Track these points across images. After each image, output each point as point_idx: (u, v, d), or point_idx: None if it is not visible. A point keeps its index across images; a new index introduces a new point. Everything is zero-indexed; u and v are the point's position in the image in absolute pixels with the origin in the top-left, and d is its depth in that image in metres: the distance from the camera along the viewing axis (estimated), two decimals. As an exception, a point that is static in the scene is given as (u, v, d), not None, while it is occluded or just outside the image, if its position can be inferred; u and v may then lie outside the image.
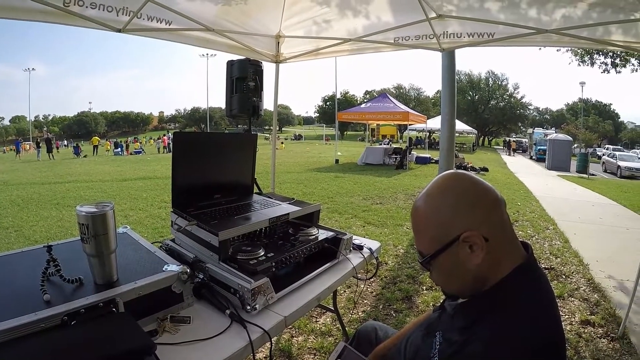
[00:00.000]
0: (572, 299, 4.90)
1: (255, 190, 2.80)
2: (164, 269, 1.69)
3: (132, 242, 2.07)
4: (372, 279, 4.78)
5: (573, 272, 5.75)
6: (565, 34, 3.71)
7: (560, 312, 4.34)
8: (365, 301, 4.31)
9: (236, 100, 4.82)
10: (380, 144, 26.12)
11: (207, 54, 66.73)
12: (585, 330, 4.16)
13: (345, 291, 4.40)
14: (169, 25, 3.44)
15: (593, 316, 4.43)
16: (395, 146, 23.68)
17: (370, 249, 2.52)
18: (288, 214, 2.19)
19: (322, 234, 2.28)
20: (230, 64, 4.75)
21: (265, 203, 2.39)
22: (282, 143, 44.65)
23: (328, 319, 3.80)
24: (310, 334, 3.54)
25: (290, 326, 3.55)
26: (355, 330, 1.97)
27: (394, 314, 4.02)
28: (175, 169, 2.08)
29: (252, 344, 1.50)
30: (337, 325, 3.58)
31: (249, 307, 1.65)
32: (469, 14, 3.73)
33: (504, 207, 1.09)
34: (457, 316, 1.15)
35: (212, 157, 2.32)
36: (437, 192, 1.12)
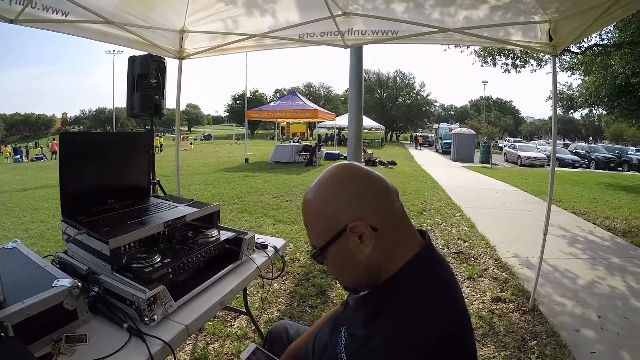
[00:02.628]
0: (482, 278, 5.15)
1: (160, 193, 2.65)
2: (53, 284, 1.52)
3: (21, 257, 1.86)
4: (285, 277, 4.75)
5: (481, 254, 6.05)
6: (467, 33, 3.89)
7: (472, 292, 4.55)
8: (279, 300, 4.25)
9: (137, 99, 4.59)
10: (290, 142, 26.05)
11: (114, 50, 62.84)
12: (498, 307, 4.38)
13: (258, 291, 4.32)
14: (66, 16, 3.19)
15: (503, 293, 4.71)
16: (304, 144, 23.71)
17: (275, 248, 2.46)
18: (185, 216, 2.07)
19: (223, 235, 2.19)
20: (132, 60, 4.51)
21: (162, 206, 2.24)
22: (191, 144, 43.60)
23: (243, 322, 3.69)
24: (226, 339, 3.42)
25: (204, 333, 3.44)
26: (267, 332, 1.91)
27: (309, 310, 4.00)
28: (63, 173, 1.89)
29: (153, 358, 1.40)
30: (254, 327, 3.49)
31: (146, 319, 1.54)
32: (374, 13, 3.81)
33: (395, 196, 1.09)
34: (358, 310, 1.13)
35: (103, 160, 2.15)
36: (326, 183, 1.09)
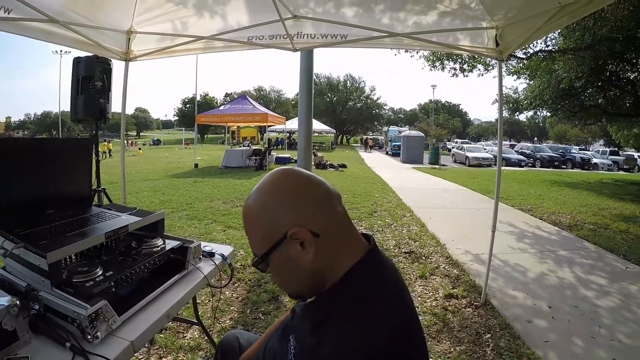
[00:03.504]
0: (434, 276, 5.23)
1: (105, 201, 2.53)
2: (-11, 303, 1.40)
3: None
4: (236, 284, 4.67)
5: (432, 253, 6.16)
6: (416, 38, 3.96)
7: (425, 290, 4.61)
8: (231, 308, 4.16)
9: (82, 103, 4.43)
10: (241, 147, 25.84)
11: (61, 51, 59.86)
12: (451, 303, 4.47)
13: (210, 300, 4.22)
14: (8, 13, 3.01)
15: (456, 289, 4.81)
16: (255, 148, 23.57)
17: (222, 255, 2.39)
18: (127, 225, 1.97)
19: (168, 245, 2.10)
20: (77, 62, 4.35)
21: (104, 216, 2.13)
22: (139, 149, 42.58)
23: (196, 333, 3.59)
24: (179, 352, 3.31)
25: (156, 346, 3.33)
26: (218, 343, 1.86)
27: (262, 317, 3.94)
28: (-2, 183, 1.76)
29: (97, 378, 1.30)
30: (206, 338, 3.40)
31: (89, 336, 1.44)
32: (324, 17, 3.81)
33: (337, 201, 1.07)
34: (305, 317, 1.11)
35: (41, 167, 2.02)
36: (265, 190, 1.06)
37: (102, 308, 1.48)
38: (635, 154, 38.89)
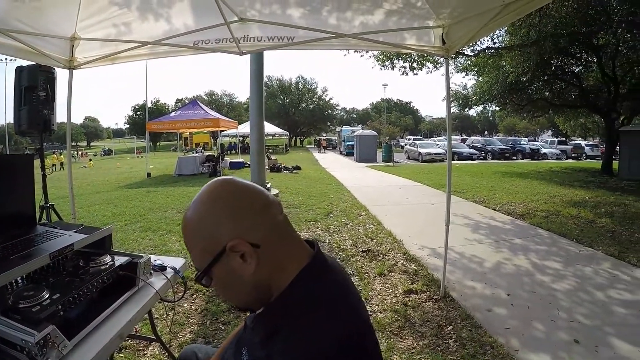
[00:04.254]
0: (393, 273, 5.26)
1: (54, 218, 2.41)
2: None
3: None
4: (195, 295, 4.54)
5: (389, 250, 6.20)
6: (362, 38, 3.96)
7: (384, 287, 4.64)
8: (191, 321, 4.06)
9: (25, 114, 4.27)
10: (194, 153, 25.43)
11: (6, 59, 57.09)
12: (411, 298, 4.50)
13: (168, 314, 4.11)
14: None
15: (415, 284, 4.85)
16: (208, 154, 23.20)
17: (174, 269, 2.32)
18: (72, 244, 1.87)
19: (117, 261, 2.01)
20: (19, 71, 4.19)
21: (49, 235, 2.02)
22: (90, 160, 41.42)
23: (156, 349, 3.48)
24: (139, 370, 3.22)
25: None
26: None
27: (222, 328, 3.87)
28: None
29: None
30: (167, 353, 3.31)
31: (40, 364, 1.35)
32: (271, 19, 3.77)
33: (277, 210, 1.05)
34: (255, 329, 1.08)
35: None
36: (202, 202, 1.03)
37: (51, 333, 1.40)
38: (582, 143, 41.14)
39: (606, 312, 4.34)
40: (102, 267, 1.91)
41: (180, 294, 2.52)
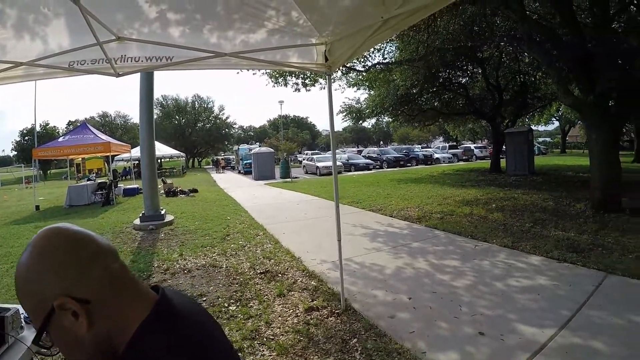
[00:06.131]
0: (293, 292, 5.15)
1: None
2: None
3: None
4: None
5: (288, 268, 6.09)
6: (243, 57, 3.91)
7: (284, 308, 4.54)
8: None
9: None
10: (87, 181, 23.88)
11: None
12: (312, 316, 4.40)
13: None
14: None
15: (315, 301, 4.77)
16: (100, 181, 21.85)
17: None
18: None
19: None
20: None
21: None
22: (-30, 196, 38.00)
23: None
24: None
25: None
26: None
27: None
28: None
29: None
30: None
31: None
32: (150, 38, 3.55)
33: (110, 258, 0.95)
34: None
35: None
36: (27, 257, 0.91)
37: None
38: (472, 145, 45.30)
39: (507, 300, 4.53)
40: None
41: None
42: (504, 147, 20.75)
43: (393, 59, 17.56)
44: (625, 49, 9.18)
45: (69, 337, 0.89)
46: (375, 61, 17.30)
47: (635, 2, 11.67)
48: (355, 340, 3.82)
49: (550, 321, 3.95)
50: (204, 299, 5.04)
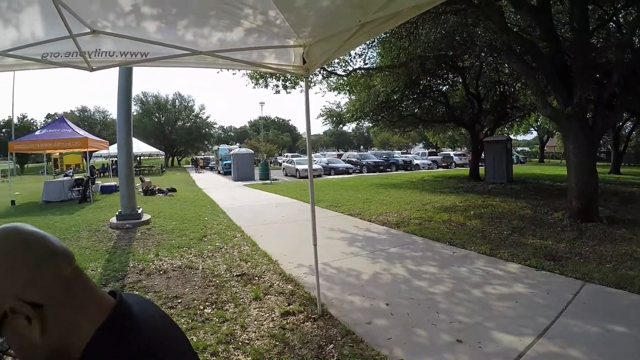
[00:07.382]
0: (269, 296, 5.09)
1: None
2: None
3: None
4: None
5: (264, 272, 6.02)
6: (219, 56, 3.85)
7: (260, 312, 4.47)
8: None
9: None
10: (64, 176, 23.37)
11: None
12: (288, 321, 4.34)
13: None
14: None
15: (291, 306, 4.71)
16: (77, 177, 21.40)
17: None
18: None
19: None
20: None
21: None
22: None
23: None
24: None
25: None
26: None
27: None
28: None
29: None
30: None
31: None
32: (125, 32, 3.45)
33: (64, 262, 0.91)
34: None
35: None
36: None
37: None
38: (451, 153, 45.54)
39: (485, 307, 4.53)
40: None
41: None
42: (482, 155, 20.95)
43: (374, 65, 17.64)
44: (602, 64, 9.38)
45: (23, 342, 0.86)
46: (357, 66, 17.37)
47: (614, 18, 11.92)
48: (331, 346, 3.77)
49: (529, 329, 3.95)
50: (179, 300, 4.95)
